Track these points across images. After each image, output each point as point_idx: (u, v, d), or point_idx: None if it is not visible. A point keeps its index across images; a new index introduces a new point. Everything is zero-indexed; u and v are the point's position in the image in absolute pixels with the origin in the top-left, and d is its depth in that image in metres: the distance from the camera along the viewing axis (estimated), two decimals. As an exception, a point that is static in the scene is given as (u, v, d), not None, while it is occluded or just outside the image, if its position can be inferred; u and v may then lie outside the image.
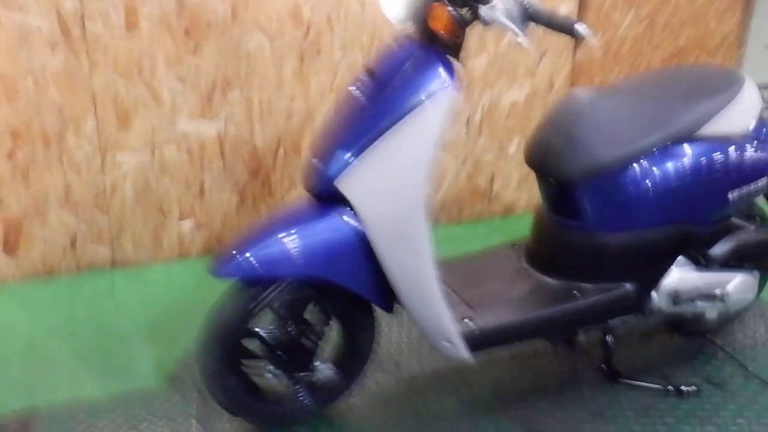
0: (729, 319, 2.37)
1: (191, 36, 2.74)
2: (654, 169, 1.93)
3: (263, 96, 2.93)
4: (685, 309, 2.09)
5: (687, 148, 1.95)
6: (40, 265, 2.84)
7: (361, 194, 1.69)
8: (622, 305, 2.02)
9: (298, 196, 3.10)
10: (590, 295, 1.98)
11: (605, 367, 2.14)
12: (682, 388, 2.08)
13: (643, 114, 1.93)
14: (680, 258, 2.04)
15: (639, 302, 2.03)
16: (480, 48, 3.20)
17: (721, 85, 2.02)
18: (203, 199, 2.97)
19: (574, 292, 1.98)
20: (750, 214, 2.20)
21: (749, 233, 2.12)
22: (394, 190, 1.67)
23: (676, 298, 2.04)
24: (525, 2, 1.67)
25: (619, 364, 2.18)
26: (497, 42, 3.22)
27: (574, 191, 1.98)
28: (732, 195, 2.01)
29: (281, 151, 3.03)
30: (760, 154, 2.02)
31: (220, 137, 2.91)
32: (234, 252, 1.71)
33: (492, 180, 3.43)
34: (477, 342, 1.88)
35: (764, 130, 2.08)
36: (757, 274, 2.15)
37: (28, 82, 2.59)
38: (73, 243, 2.86)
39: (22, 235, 2.78)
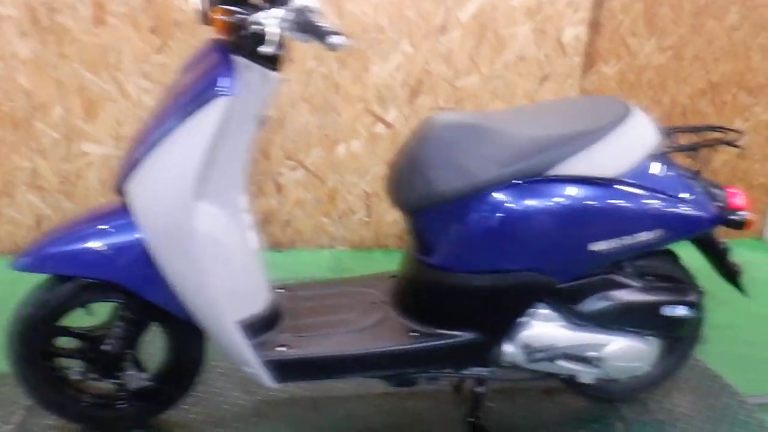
0: (642, 388, 2.09)
1: (157, 34, 2.76)
2: (498, 207, 1.71)
3: (232, 99, 2.92)
4: (548, 368, 1.86)
5: (538, 188, 1.72)
6: (7, 243, 2.98)
7: (137, 199, 1.63)
8: (464, 354, 1.82)
9: (262, 203, 3.07)
10: (428, 339, 1.80)
11: (472, 421, 1.94)
12: None
13: (498, 146, 1.72)
14: (547, 311, 1.82)
15: (485, 353, 1.83)
16: (470, 66, 3.02)
17: (598, 122, 1.77)
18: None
19: (412, 333, 1.82)
20: (663, 273, 1.92)
21: (628, 293, 1.84)
22: (164, 196, 1.59)
23: (530, 354, 1.82)
24: (299, 8, 1.53)
25: (494, 419, 1.98)
26: (491, 62, 3.03)
27: (414, 222, 1.82)
28: (596, 247, 1.75)
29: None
30: (638, 203, 1.76)
31: (186, 136, 2.93)
32: (35, 247, 1.69)
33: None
34: (287, 371, 1.76)
35: (653, 174, 1.81)
36: (653, 341, 1.88)
37: None
38: (39, 224, 2.97)
39: (-5, 211, 2.93)
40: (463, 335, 1.79)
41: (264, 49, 1.52)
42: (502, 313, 1.80)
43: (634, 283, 1.84)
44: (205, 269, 1.64)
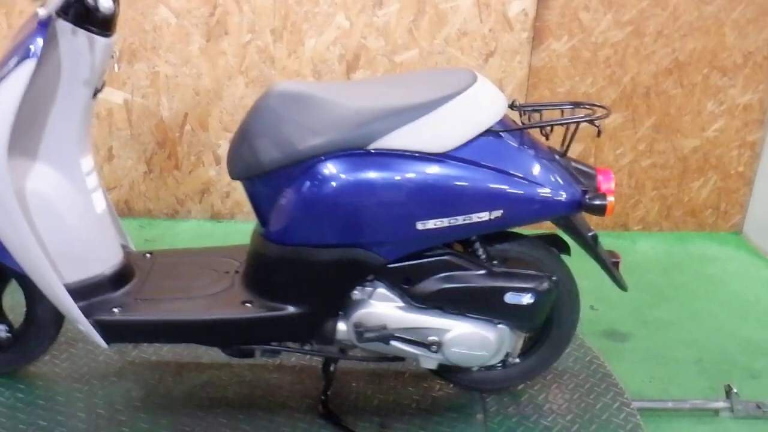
0: (513, 379, 2.01)
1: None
2: (318, 180, 1.67)
3: (169, 70, 2.98)
4: (383, 349, 1.81)
5: (360, 162, 1.67)
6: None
7: None
8: (293, 328, 1.81)
9: (202, 174, 3.13)
10: (258, 310, 1.79)
11: (323, 398, 1.92)
12: None
13: (321, 117, 1.67)
14: (383, 291, 1.77)
15: (316, 329, 1.80)
16: (409, 41, 2.94)
17: (431, 95, 1.69)
18: (111, 163, 3.11)
19: (245, 303, 1.81)
20: (516, 258, 1.83)
21: (468, 276, 1.76)
22: None
23: (361, 333, 1.77)
24: None
25: (351, 399, 1.96)
26: (431, 36, 2.94)
27: (247, 193, 1.81)
28: (424, 226, 1.68)
29: (188, 126, 3.06)
30: (472, 181, 1.68)
31: (127, 105, 3.02)
32: None
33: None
34: (115, 333, 1.80)
35: (494, 151, 1.71)
36: (504, 330, 1.79)
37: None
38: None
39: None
40: (291, 309, 1.78)
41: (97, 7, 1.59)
42: (328, 289, 1.77)
43: (474, 267, 1.77)
44: (29, 228, 1.69)
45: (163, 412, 1.92)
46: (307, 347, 1.87)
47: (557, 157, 1.79)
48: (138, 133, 3.06)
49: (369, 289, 1.78)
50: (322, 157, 1.68)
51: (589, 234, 1.83)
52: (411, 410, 1.94)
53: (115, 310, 1.82)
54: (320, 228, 1.71)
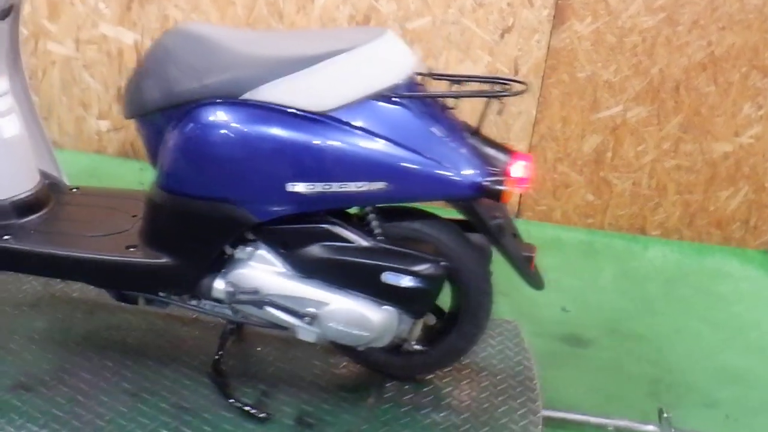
0: (420, 369, 1.88)
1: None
2: (189, 127, 1.59)
3: (179, 15, 2.95)
4: (257, 313, 1.72)
5: (231, 110, 1.57)
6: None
7: None
8: (167, 279, 1.74)
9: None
10: (138, 256, 1.73)
11: (216, 358, 1.86)
12: (254, 412, 1.73)
13: (200, 60, 1.58)
14: (264, 253, 1.67)
15: (189, 283, 1.72)
16: (422, 7, 2.80)
17: (320, 49, 1.57)
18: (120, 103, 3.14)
19: (131, 248, 1.75)
20: (409, 237, 1.69)
21: (345, 249, 1.64)
22: None
23: (234, 293, 1.69)
24: None
25: (244, 361, 1.89)
26: (446, 4, 2.79)
27: (137, 131, 1.76)
28: (295, 188, 1.57)
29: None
30: (351, 146, 1.55)
31: (137, 46, 3.02)
32: None
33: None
34: (2, 260, 1.78)
35: (384, 117, 1.57)
36: (390, 311, 1.66)
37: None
38: None
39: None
40: (166, 259, 1.71)
41: None
42: (201, 243, 1.69)
43: (356, 239, 1.65)
44: None
45: (54, 347, 1.90)
46: (194, 303, 1.78)
47: (468, 134, 1.64)
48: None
49: (250, 249, 1.68)
50: (194, 104, 1.59)
51: (494, 222, 1.67)
52: (303, 383, 1.85)
53: (6, 237, 1.79)
54: (192, 178, 1.63)
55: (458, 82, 1.69)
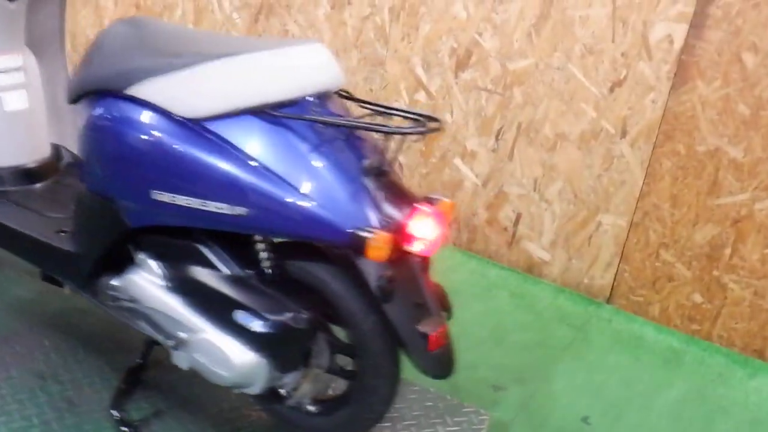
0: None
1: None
2: (85, 118, 1.54)
3: (296, 30, 2.96)
4: (131, 323, 1.62)
5: (112, 105, 1.50)
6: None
7: None
8: (68, 267, 1.70)
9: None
10: (55, 242, 1.70)
11: (134, 365, 1.78)
12: (124, 430, 1.62)
13: (119, 54, 1.52)
14: (152, 263, 1.54)
15: (85, 275, 1.65)
16: (527, 47, 2.50)
17: (219, 50, 1.44)
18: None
19: (61, 232, 1.73)
20: (303, 280, 1.46)
21: (207, 274, 1.46)
22: None
23: (114, 296, 1.59)
24: None
25: (162, 375, 1.78)
26: (552, 47, 2.46)
27: None
28: (160, 197, 1.43)
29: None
30: (214, 162, 1.38)
31: (259, 58, 3.10)
32: None
33: (516, 222, 2.69)
34: None
35: (260, 135, 1.39)
36: (254, 355, 1.45)
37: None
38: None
39: None
40: (69, 248, 1.68)
41: None
42: (91, 238, 1.63)
43: (220, 266, 1.48)
44: None
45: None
46: (97, 299, 1.70)
47: (370, 173, 1.40)
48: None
49: (142, 257, 1.57)
50: (91, 94, 1.55)
51: (378, 282, 1.37)
52: (203, 415, 1.73)
53: None
54: (87, 170, 1.58)
55: (381, 113, 1.46)
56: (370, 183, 1.40)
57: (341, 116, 1.46)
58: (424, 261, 1.49)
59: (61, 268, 1.75)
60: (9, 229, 1.79)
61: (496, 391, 2.06)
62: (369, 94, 2.87)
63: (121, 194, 1.52)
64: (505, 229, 2.72)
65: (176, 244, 1.53)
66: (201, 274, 1.49)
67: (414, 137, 1.42)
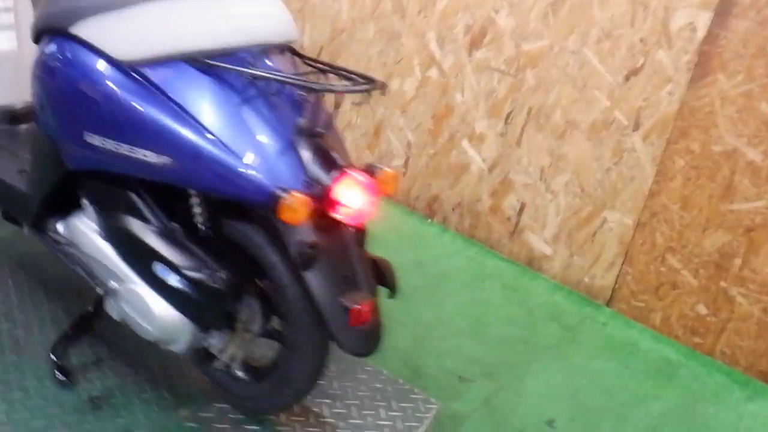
0: (244, 396, 1.58)
1: None
2: (36, 55, 1.50)
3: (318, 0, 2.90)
4: (71, 266, 1.59)
5: (52, 43, 1.46)
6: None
7: None
8: (20, 206, 1.68)
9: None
10: (13, 180, 1.69)
11: (85, 312, 1.74)
12: (57, 373, 1.59)
13: None
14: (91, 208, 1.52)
15: (32, 215, 1.63)
16: (542, 28, 2.36)
17: None
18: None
19: (22, 172, 1.71)
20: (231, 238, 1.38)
21: (132, 223, 1.41)
22: None
23: (56, 239, 1.57)
24: None
25: (112, 326, 1.73)
26: (568, 29, 2.31)
27: None
28: (91, 140, 1.38)
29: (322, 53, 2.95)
30: (144, 107, 1.32)
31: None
32: None
33: (520, 212, 2.55)
34: None
35: (193, 86, 1.32)
36: (184, 318, 1.41)
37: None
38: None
39: None
40: (21, 187, 1.67)
41: None
42: (37, 177, 1.62)
43: (149, 217, 1.42)
44: None
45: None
46: (46, 240, 1.68)
47: (302, 131, 1.31)
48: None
49: (85, 201, 1.53)
50: (44, 33, 1.51)
51: (299, 249, 1.29)
52: (141, 371, 1.69)
53: None
54: (36, 109, 1.54)
55: (323, 71, 1.38)
56: (301, 143, 1.32)
57: (281, 72, 1.37)
58: (359, 232, 1.40)
59: (17, 207, 1.73)
60: None
61: (462, 382, 1.95)
62: (383, 68, 2.78)
63: (59, 135, 1.49)
64: (509, 218, 2.59)
65: (112, 191, 1.48)
66: (130, 222, 1.44)
67: (356, 98, 1.32)
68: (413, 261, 2.50)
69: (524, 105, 2.47)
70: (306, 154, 1.31)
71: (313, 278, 1.32)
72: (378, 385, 1.75)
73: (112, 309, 1.54)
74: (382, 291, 1.49)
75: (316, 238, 1.31)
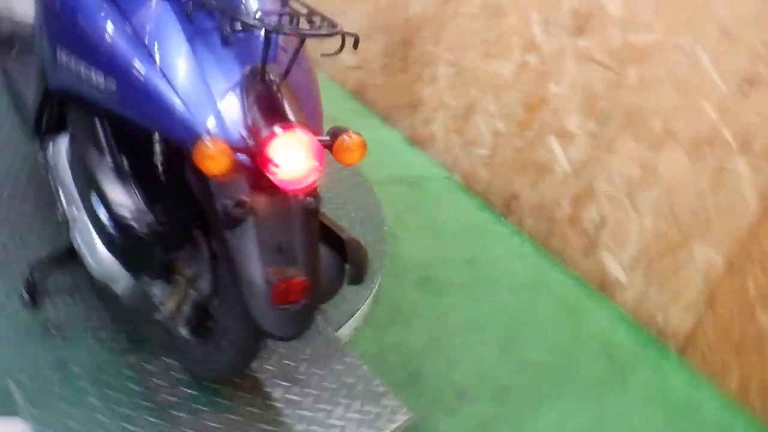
0: (183, 353, 1.48)
1: None
2: None
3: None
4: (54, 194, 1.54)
5: None
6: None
7: None
8: (27, 118, 1.68)
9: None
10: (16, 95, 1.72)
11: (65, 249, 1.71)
12: (24, 293, 1.57)
13: None
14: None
15: (31, 130, 1.63)
16: (653, 20, 2.01)
17: None
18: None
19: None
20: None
21: (85, 149, 1.35)
22: None
23: (46, 164, 1.53)
24: None
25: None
26: (680, 23, 1.95)
27: None
28: (60, 55, 1.34)
29: (424, 33, 2.76)
30: (102, 27, 1.26)
31: (392, -10, 2.89)
32: None
33: (599, 227, 2.23)
34: None
35: (158, 17, 1.24)
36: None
37: None
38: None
39: None
40: (28, 101, 1.68)
41: None
42: (33, 94, 1.59)
43: (103, 147, 1.33)
44: None
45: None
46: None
47: (255, 78, 1.19)
48: (385, 24, 2.93)
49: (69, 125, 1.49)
50: None
51: (222, 203, 1.16)
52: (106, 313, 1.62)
53: None
54: (40, 24, 1.50)
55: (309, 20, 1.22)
56: (250, 89, 1.17)
57: (241, 10, 1.23)
58: (312, 205, 1.23)
59: (26, 120, 1.74)
60: (15, 82, 1.83)
61: (460, 400, 1.72)
62: (482, 45, 2.54)
63: (40, 51, 1.48)
64: (586, 231, 2.28)
65: (80, 116, 1.43)
66: (87, 149, 1.37)
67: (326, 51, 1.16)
68: (467, 257, 2.27)
69: (621, 105, 2.14)
70: (252, 102, 1.16)
71: (235, 240, 1.17)
72: (350, 380, 1.57)
73: (73, 239, 1.49)
74: (346, 276, 1.33)
75: (247, 197, 1.16)
